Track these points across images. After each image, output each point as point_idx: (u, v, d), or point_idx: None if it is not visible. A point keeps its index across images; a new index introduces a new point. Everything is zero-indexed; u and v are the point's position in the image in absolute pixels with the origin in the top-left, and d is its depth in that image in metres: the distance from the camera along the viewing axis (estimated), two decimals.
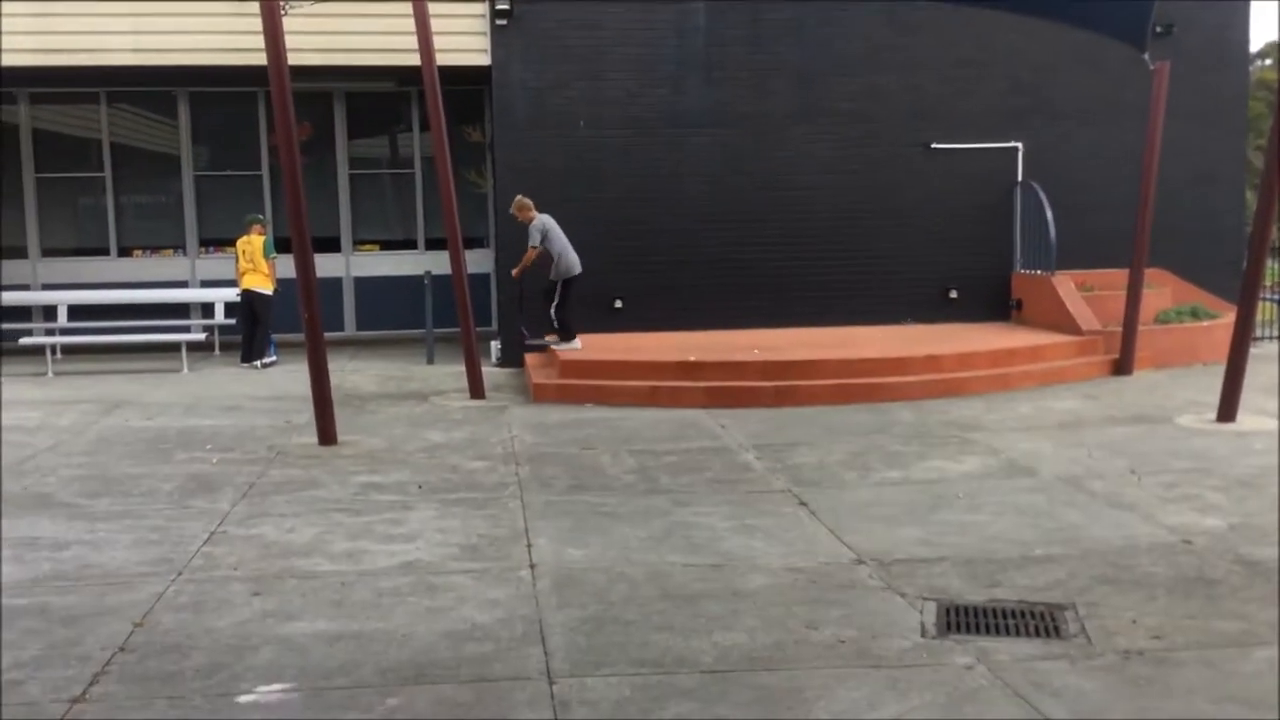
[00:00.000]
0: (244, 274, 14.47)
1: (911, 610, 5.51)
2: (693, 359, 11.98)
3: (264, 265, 14.39)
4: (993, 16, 13.90)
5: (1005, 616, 5.39)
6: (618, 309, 14.32)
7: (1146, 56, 11.70)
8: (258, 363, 14.32)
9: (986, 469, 8.50)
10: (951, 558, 6.32)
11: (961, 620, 5.36)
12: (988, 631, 5.22)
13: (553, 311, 13.07)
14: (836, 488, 8.01)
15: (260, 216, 14.96)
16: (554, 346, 12.96)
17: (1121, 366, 12.82)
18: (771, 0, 14.30)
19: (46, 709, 4.49)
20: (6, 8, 14.19)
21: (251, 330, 14.47)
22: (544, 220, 13.11)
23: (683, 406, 11.23)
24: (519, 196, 13.32)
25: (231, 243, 15.06)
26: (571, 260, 13.05)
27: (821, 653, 5.00)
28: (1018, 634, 5.19)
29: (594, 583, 5.98)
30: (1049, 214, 13.96)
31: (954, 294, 14.93)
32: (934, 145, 14.80)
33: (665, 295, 14.35)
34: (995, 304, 14.99)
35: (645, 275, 14.34)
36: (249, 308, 14.50)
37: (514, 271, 13.34)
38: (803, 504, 7.54)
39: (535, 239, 13.01)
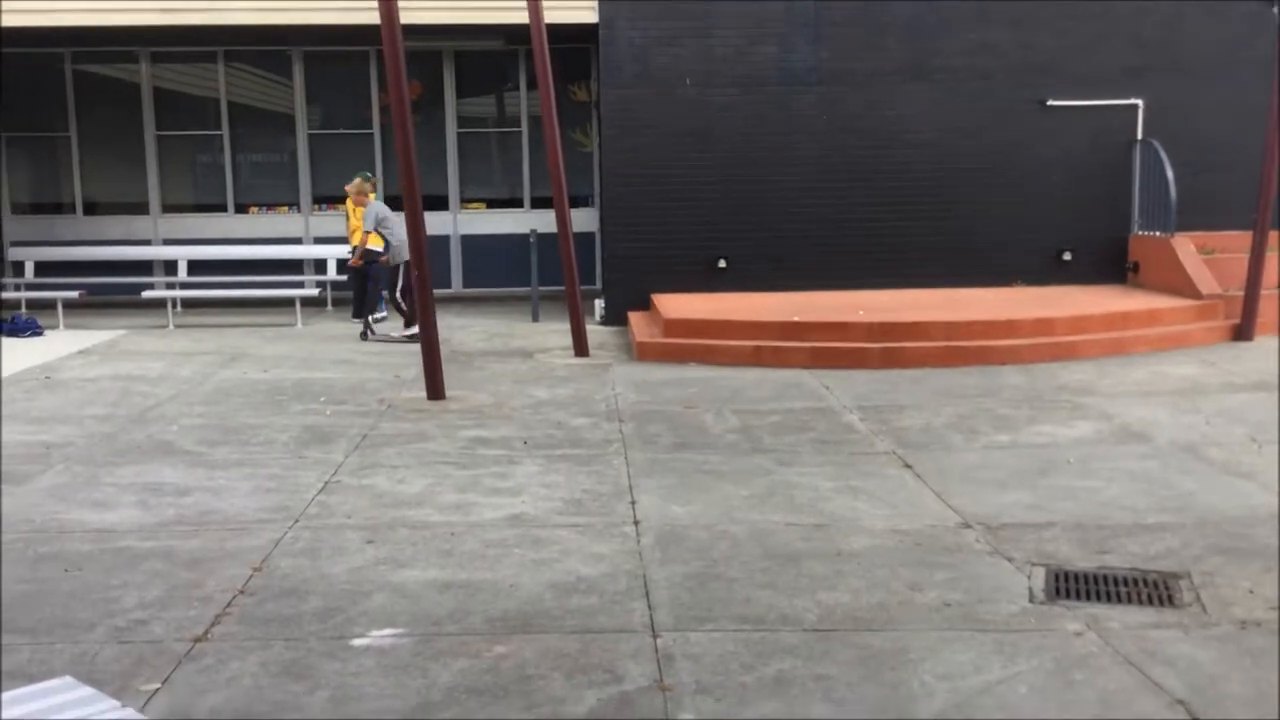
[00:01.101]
0: (354, 231, 14.73)
1: (1019, 575, 5.44)
2: (797, 319, 11.91)
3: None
4: None
5: (1116, 584, 5.30)
6: (721, 269, 14.28)
7: (1276, 9, 11.21)
8: (370, 318, 14.58)
9: (1099, 434, 8.32)
10: (1061, 523, 6.22)
11: (1071, 586, 5.28)
12: (1098, 599, 5.14)
13: (399, 296, 13.42)
14: (943, 450, 7.92)
15: (369, 174, 15.17)
16: (407, 332, 12.91)
17: (1242, 332, 12.39)
18: None
19: (170, 647, 4.68)
20: None
21: (363, 286, 14.74)
22: (379, 206, 13.60)
23: (786, 367, 11.17)
24: (359, 179, 13.98)
25: (343, 200, 15.32)
26: (403, 243, 12.65)
27: (926, 615, 4.97)
28: (1129, 602, 5.10)
29: (697, 539, 6.03)
30: (1169, 173, 13.51)
31: (1067, 256, 14.56)
32: (1049, 102, 14.40)
33: (770, 255, 14.26)
34: (1110, 266, 14.58)
35: (750, 235, 14.26)
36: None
37: (353, 260, 14.02)
38: (908, 466, 7.47)
39: (370, 223, 13.39)
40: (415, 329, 11.74)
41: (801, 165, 14.32)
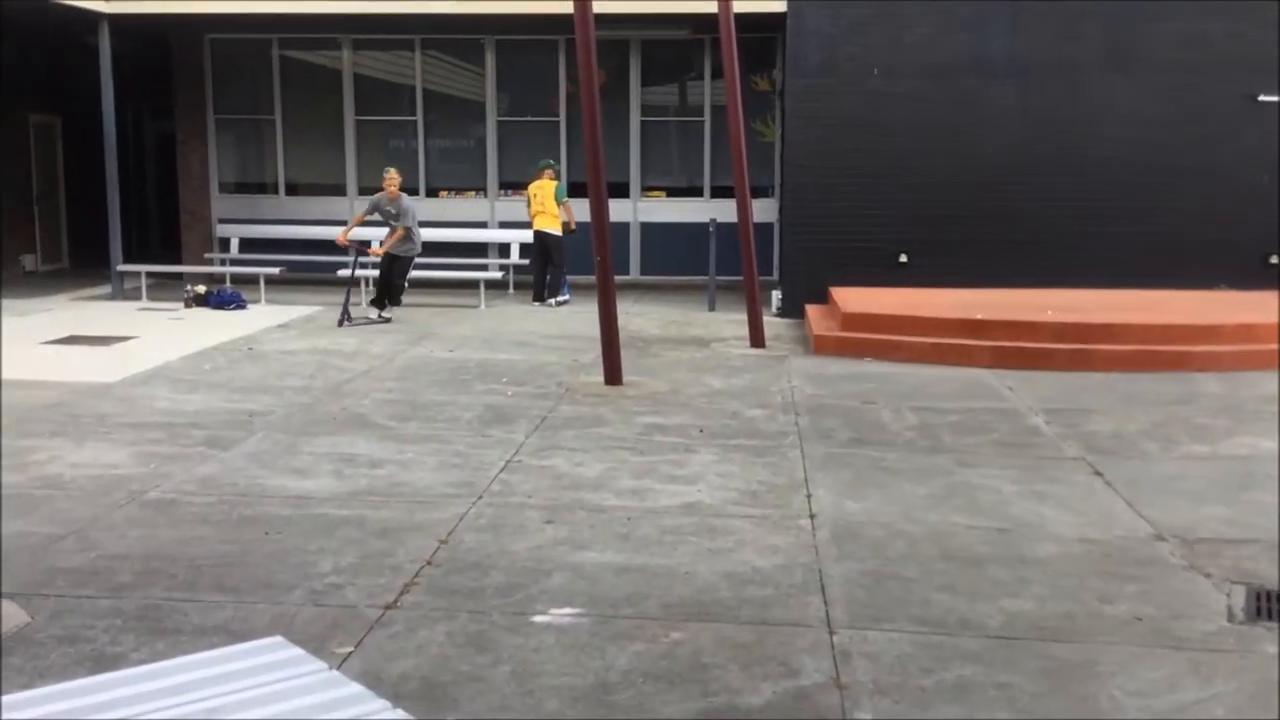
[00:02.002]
0: (535, 215, 15.05)
1: (1217, 592, 5.20)
2: (980, 317, 11.61)
3: (554, 208, 14.92)
4: None
5: None
6: (902, 263, 14.03)
7: None
8: (551, 301, 14.92)
9: None
10: (1264, 540, 5.91)
11: (1273, 607, 5.02)
12: None
13: (397, 283, 13.69)
14: (1135, 459, 7.62)
15: (552, 162, 15.49)
16: (381, 315, 13.37)
17: None
18: None
19: (363, 612, 4.89)
20: None
21: (543, 270, 15.06)
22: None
23: (968, 365, 10.91)
24: (394, 170, 13.86)
25: (526, 186, 15.67)
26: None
27: (1116, 628, 4.80)
28: None
29: (873, 537, 5.96)
30: None
31: (1275, 259, 13.79)
32: (1261, 98, 13.64)
33: (954, 251, 13.93)
34: None
35: (933, 229, 13.97)
36: (541, 248, 15.09)
37: (382, 249, 13.73)
38: (1097, 473, 7.22)
39: (409, 218, 13.52)
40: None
41: (991, 158, 13.94)
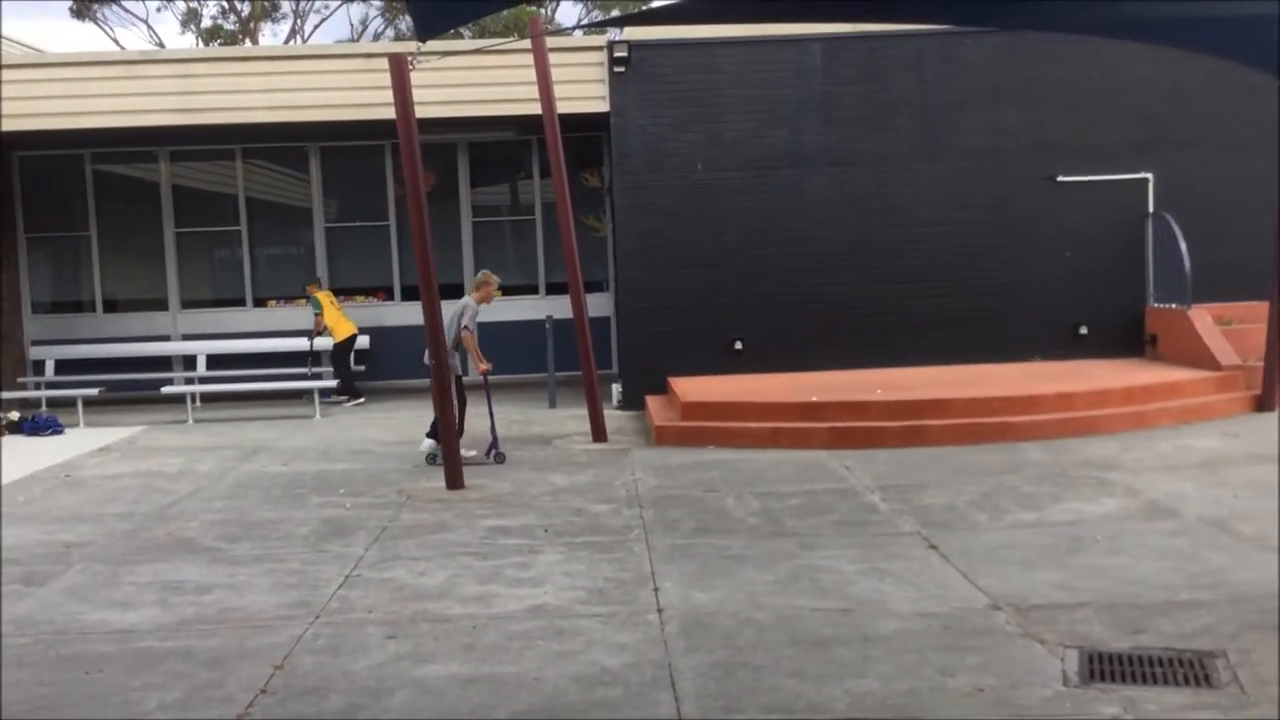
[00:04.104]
0: (337, 324, 15.76)
1: (1052, 658, 5.34)
2: (815, 399, 11.87)
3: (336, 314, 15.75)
4: (1119, 47, 13.58)
5: (1152, 665, 5.19)
6: (737, 350, 14.29)
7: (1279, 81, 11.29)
8: (348, 402, 15.37)
9: (1125, 510, 8.22)
10: (1092, 603, 6.12)
11: (1106, 669, 5.17)
12: (1134, 680, 5.03)
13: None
14: (968, 530, 7.83)
15: (317, 277, 16.28)
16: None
17: (1264, 403, 12.31)
18: (889, 37, 14.22)
19: None
20: (151, 70, 14.91)
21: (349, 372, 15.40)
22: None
23: (806, 448, 11.12)
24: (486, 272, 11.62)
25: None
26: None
27: (959, 701, 4.87)
28: (1166, 683, 4.99)
29: (722, 627, 5.94)
30: (1183, 245, 13.53)
31: (1084, 330, 14.54)
32: (1060, 178, 14.49)
33: (786, 336, 14.27)
34: (1128, 340, 14.54)
35: (765, 316, 14.29)
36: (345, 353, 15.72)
37: (483, 367, 11.13)
38: (933, 547, 7.39)
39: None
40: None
41: (815, 246, 14.39)
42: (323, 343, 15.85)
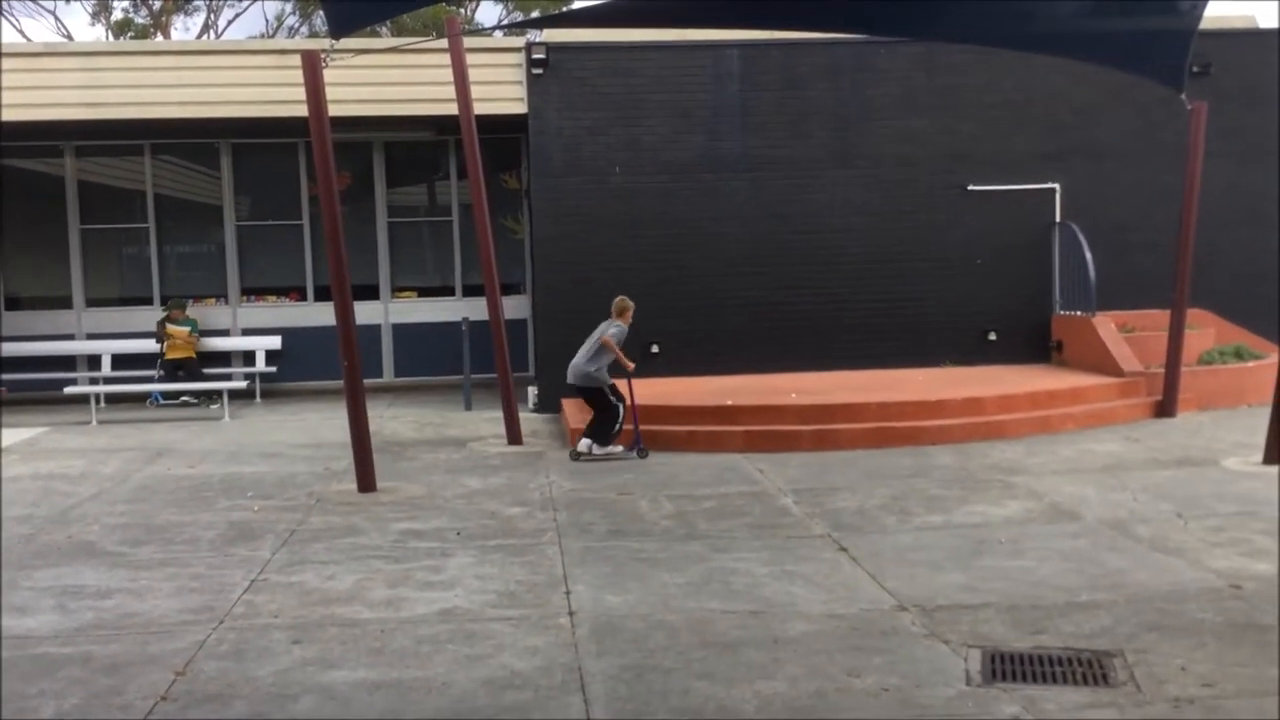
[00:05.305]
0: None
1: (955, 658, 5.43)
2: (730, 403, 11.95)
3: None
4: (1028, 59, 13.89)
5: (1052, 664, 5.31)
6: (654, 354, 14.32)
7: (1184, 97, 11.65)
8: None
9: (1029, 513, 8.40)
10: (995, 604, 6.23)
11: (1007, 668, 5.27)
12: (1034, 680, 5.14)
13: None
14: (877, 532, 7.94)
15: (184, 301, 15.97)
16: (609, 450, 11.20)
17: (1165, 408, 12.66)
18: (806, 45, 14.37)
19: None
20: (57, 63, 14.54)
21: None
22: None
23: (720, 451, 11.19)
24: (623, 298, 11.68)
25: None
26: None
27: (865, 701, 4.93)
28: (1065, 682, 5.11)
29: (633, 630, 5.95)
30: (1088, 254, 13.88)
31: (993, 336, 14.84)
32: (970, 187, 14.78)
33: (702, 340, 14.36)
34: (1035, 346, 14.88)
35: (681, 320, 14.36)
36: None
37: (630, 366, 11.25)
38: (842, 549, 7.47)
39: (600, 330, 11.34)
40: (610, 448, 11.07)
41: (731, 250, 14.51)
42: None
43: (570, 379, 11.39)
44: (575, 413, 12.86)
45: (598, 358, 11.28)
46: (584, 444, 11.15)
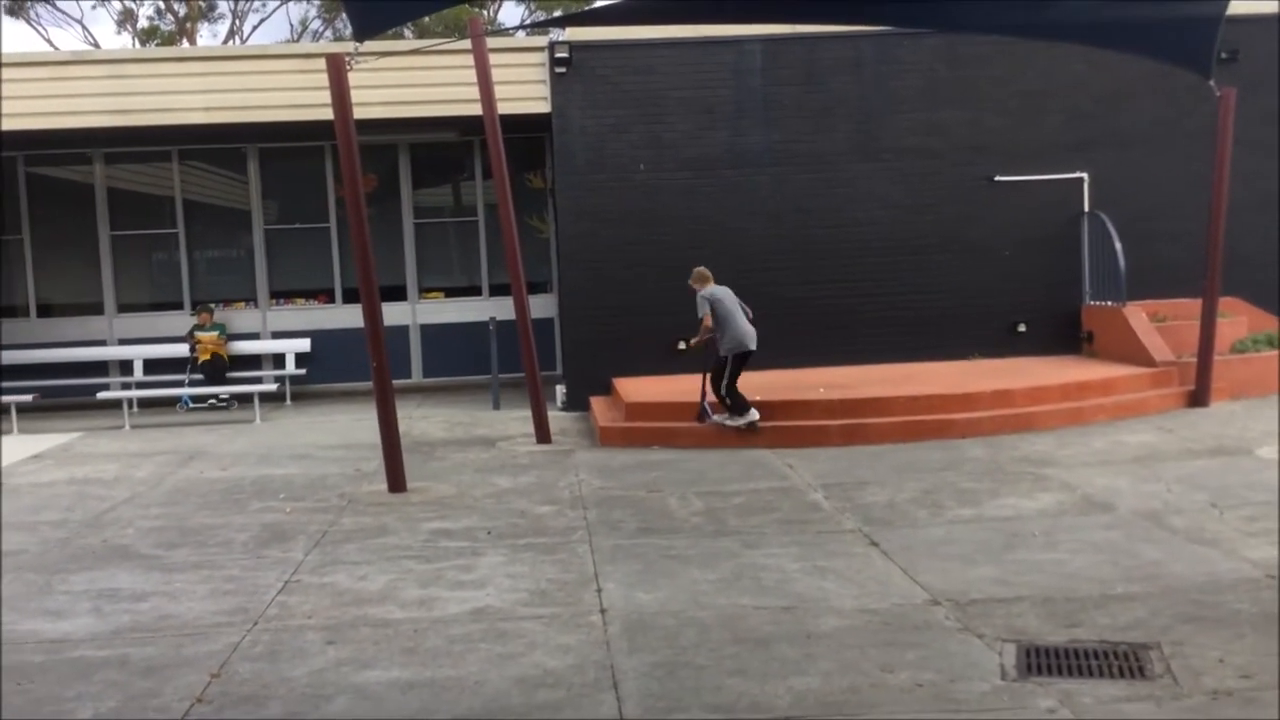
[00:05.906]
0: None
1: (990, 652, 5.40)
2: (758, 399, 11.91)
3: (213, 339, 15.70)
4: (1054, 48, 13.79)
5: (1087, 657, 5.27)
6: (681, 350, 14.28)
7: (1212, 83, 11.53)
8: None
9: (1062, 505, 8.34)
10: (1029, 597, 6.20)
11: (1042, 662, 5.24)
12: (1070, 673, 5.11)
13: (723, 389, 11.54)
14: (908, 527, 7.90)
15: (210, 306, 16.10)
16: (724, 421, 11.52)
17: (1197, 398, 12.54)
18: (827, 38, 14.31)
19: None
20: (85, 70, 14.67)
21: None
22: (714, 291, 11.68)
23: (749, 447, 11.17)
24: (697, 267, 12.02)
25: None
26: (740, 334, 11.50)
27: (899, 696, 4.91)
28: (1101, 675, 5.07)
29: (665, 627, 5.95)
30: (1117, 244, 13.76)
31: (1022, 327, 14.74)
32: (997, 178, 14.68)
33: None
34: (1065, 337, 14.77)
35: None
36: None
37: (692, 342, 11.91)
38: (874, 544, 7.45)
39: (703, 309, 11.56)
40: (749, 413, 11.44)
41: (755, 246, 14.46)
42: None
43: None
44: (604, 410, 12.89)
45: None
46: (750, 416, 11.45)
